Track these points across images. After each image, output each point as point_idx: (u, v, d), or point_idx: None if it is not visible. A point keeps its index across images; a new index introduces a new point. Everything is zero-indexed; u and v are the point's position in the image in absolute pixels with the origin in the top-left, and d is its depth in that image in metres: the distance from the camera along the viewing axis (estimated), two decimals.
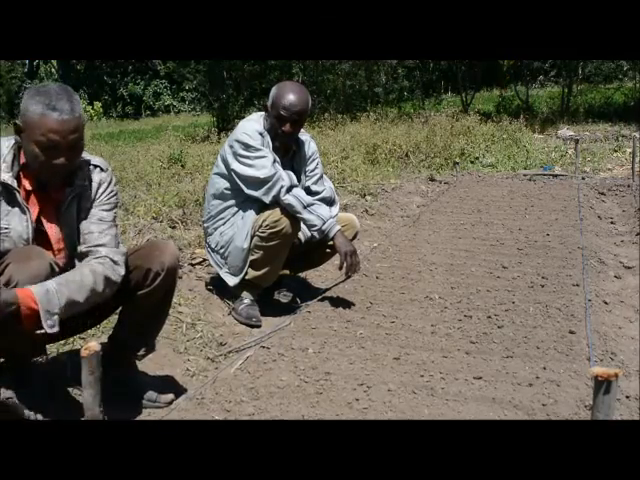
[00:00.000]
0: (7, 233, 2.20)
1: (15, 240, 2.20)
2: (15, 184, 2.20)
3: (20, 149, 2.23)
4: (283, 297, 3.78)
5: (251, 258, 3.39)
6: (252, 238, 3.36)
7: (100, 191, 2.37)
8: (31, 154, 2.17)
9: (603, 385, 1.36)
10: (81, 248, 2.30)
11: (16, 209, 2.21)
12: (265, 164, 3.31)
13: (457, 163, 8.40)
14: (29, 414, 2.27)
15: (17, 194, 2.21)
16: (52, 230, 2.30)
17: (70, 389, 2.58)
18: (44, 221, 2.29)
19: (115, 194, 2.43)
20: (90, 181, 2.34)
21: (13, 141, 2.25)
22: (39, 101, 2.11)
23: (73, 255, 2.32)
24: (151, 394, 2.56)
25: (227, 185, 3.44)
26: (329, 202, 3.57)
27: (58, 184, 2.28)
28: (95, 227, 2.32)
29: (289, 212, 3.30)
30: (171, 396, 2.58)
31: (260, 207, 3.37)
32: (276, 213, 3.30)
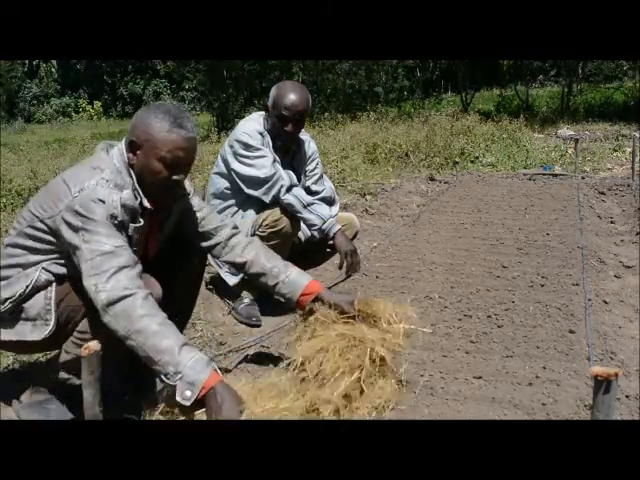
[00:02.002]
0: (137, 250, 2.24)
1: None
2: (149, 205, 2.23)
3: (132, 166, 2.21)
4: None
5: None
6: None
7: (192, 192, 2.50)
8: (152, 170, 2.17)
9: (603, 385, 1.36)
10: (208, 228, 2.50)
11: (137, 227, 2.22)
12: (265, 164, 3.31)
13: (457, 163, 8.39)
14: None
15: (146, 215, 2.25)
16: (152, 246, 2.38)
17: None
18: (149, 238, 2.35)
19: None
20: (184, 188, 2.42)
21: (116, 157, 2.21)
22: (164, 118, 2.15)
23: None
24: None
25: (227, 185, 3.45)
26: (329, 202, 3.57)
27: (169, 201, 2.32)
28: (206, 210, 2.54)
29: (289, 212, 3.30)
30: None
31: (260, 207, 3.37)
32: (276, 213, 3.30)
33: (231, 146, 3.39)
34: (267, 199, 3.32)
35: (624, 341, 3.06)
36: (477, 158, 9.31)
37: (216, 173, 3.52)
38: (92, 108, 24.28)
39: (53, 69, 31.26)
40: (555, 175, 7.98)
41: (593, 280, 3.89)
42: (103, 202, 2.05)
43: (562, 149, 10.10)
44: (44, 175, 6.87)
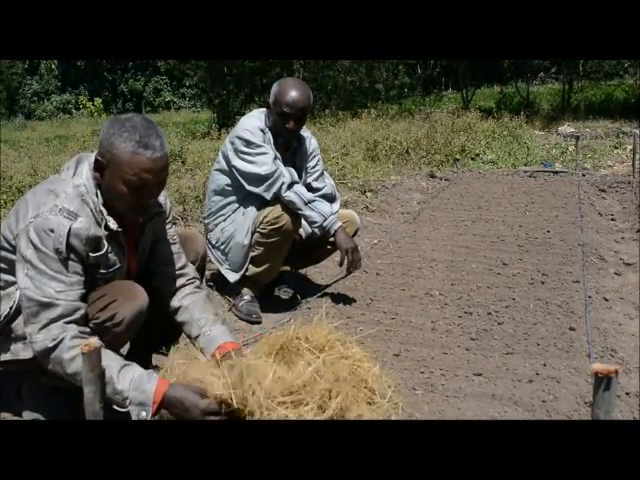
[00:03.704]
0: (118, 270, 2.23)
1: (118, 278, 2.25)
2: (116, 226, 2.15)
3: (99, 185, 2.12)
4: (283, 293, 3.79)
5: (252, 254, 3.40)
6: (253, 234, 3.36)
7: (168, 210, 2.44)
8: (117, 193, 2.07)
9: (603, 382, 1.36)
10: (169, 270, 2.39)
11: (116, 247, 2.20)
12: (266, 161, 3.31)
13: (458, 160, 8.38)
14: None
15: (120, 234, 2.19)
16: (132, 263, 2.33)
17: None
18: (130, 258, 2.32)
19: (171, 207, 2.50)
20: (160, 204, 2.36)
21: (85, 173, 2.13)
22: (128, 137, 2.02)
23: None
24: None
25: (228, 181, 3.44)
26: (330, 199, 3.57)
27: (140, 221, 2.25)
28: (174, 247, 2.42)
29: (290, 209, 3.30)
30: None
31: (261, 204, 3.37)
32: (277, 210, 3.30)
33: (232, 143, 3.39)
34: (268, 196, 3.32)
35: (624, 338, 3.06)
36: (478, 155, 9.30)
37: (217, 170, 3.52)
38: (92, 105, 24.24)
39: (53, 66, 31.20)
40: (556, 172, 7.97)
41: (593, 277, 3.89)
42: (53, 232, 2.00)
43: (563, 146, 10.10)
44: (44, 172, 6.87)
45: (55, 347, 1.97)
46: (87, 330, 2.05)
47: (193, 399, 1.92)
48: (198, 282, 2.50)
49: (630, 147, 8.91)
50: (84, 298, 2.08)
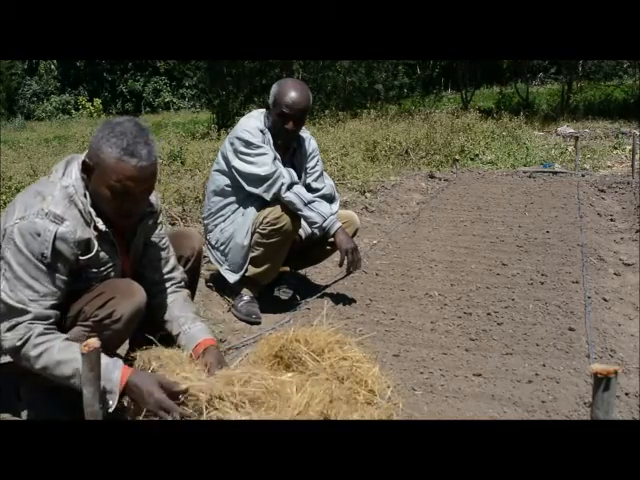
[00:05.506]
0: (113, 268, 2.24)
1: (114, 276, 2.26)
2: (104, 227, 2.15)
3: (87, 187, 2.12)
4: (283, 294, 3.79)
5: (251, 255, 3.39)
6: (252, 235, 3.36)
7: (159, 211, 2.43)
8: (102, 197, 2.07)
9: (602, 382, 1.36)
10: (155, 276, 2.40)
11: (107, 247, 2.20)
12: (266, 161, 3.31)
13: (457, 160, 8.39)
14: None
15: (111, 234, 2.19)
16: (126, 264, 2.34)
17: None
18: (123, 259, 2.32)
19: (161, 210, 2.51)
20: (152, 204, 2.36)
21: (74, 174, 2.13)
22: (115, 143, 2.01)
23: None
24: None
25: (227, 182, 3.44)
26: (329, 199, 3.57)
27: (129, 224, 2.24)
28: (163, 253, 2.43)
29: (290, 209, 3.30)
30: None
31: (261, 204, 3.37)
32: (277, 210, 3.30)
33: (232, 143, 3.39)
34: (268, 197, 3.32)
35: (624, 339, 3.06)
36: (477, 155, 9.31)
37: (216, 170, 3.52)
38: (92, 105, 24.25)
39: (53, 66, 31.20)
40: (555, 173, 7.98)
41: (593, 278, 3.89)
42: (39, 236, 2.00)
43: (562, 147, 10.10)
44: (44, 172, 6.86)
45: (23, 345, 2.00)
46: (53, 327, 2.06)
47: (151, 388, 1.95)
48: (183, 283, 2.52)
49: (629, 147, 8.92)
50: (57, 307, 2.08)
